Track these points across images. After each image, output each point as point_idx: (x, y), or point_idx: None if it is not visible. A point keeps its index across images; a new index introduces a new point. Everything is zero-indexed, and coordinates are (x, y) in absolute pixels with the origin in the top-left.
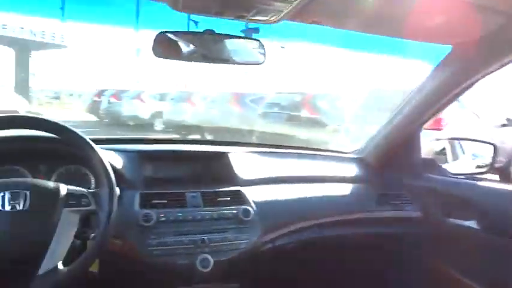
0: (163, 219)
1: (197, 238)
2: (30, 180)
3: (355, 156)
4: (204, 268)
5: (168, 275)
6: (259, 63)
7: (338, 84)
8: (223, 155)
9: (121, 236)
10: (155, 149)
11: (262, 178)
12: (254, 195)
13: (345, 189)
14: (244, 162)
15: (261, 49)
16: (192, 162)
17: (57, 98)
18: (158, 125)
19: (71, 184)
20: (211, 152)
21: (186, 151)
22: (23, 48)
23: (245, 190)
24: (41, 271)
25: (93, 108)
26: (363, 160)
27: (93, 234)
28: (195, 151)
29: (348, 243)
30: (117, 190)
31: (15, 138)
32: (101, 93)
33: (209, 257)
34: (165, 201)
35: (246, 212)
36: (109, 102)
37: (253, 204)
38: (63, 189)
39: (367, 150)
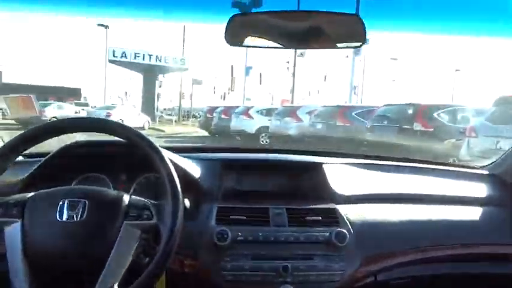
0: (240, 238)
1: (279, 265)
2: (89, 188)
3: (486, 172)
4: None
5: None
6: (360, 45)
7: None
8: (317, 165)
9: (191, 255)
10: (239, 157)
11: (363, 195)
12: (352, 215)
13: (474, 212)
14: (342, 175)
15: (361, 26)
16: (279, 173)
17: (175, 115)
18: (264, 139)
19: (149, 195)
20: (303, 162)
21: (273, 160)
22: (150, 73)
23: (341, 209)
24: None
25: (206, 124)
26: (497, 177)
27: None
28: (283, 160)
29: (476, 285)
30: (186, 202)
31: (96, 144)
32: (213, 110)
33: None
34: (244, 217)
35: (341, 236)
36: (219, 119)
37: (350, 227)
38: (125, 199)
39: (503, 166)
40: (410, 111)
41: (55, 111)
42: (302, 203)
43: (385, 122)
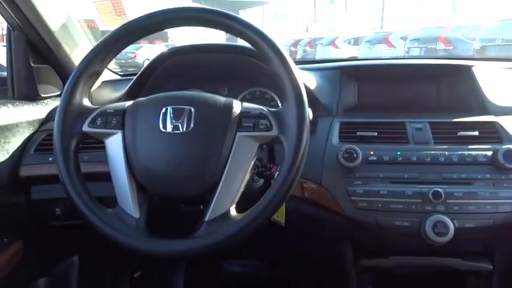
0: (373, 158)
1: (426, 189)
2: (196, 93)
3: None
4: (439, 236)
5: (375, 239)
6: None
7: None
8: (465, 68)
9: (312, 178)
10: (364, 64)
11: None
12: None
13: None
14: (497, 81)
15: None
16: (414, 80)
17: None
18: None
19: None
20: (445, 65)
21: (406, 64)
22: (230, 9)
23: (503, 122)
24: (208, 216)
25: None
26: None
27: (277, 172)
28: (419, 64)
29: None
30: (310, 112)
31: (193, 49)
32: (297, 43)
33: (447, 219)
34: (375, 134)
35: (510, 155)
36: (304, 51)
37: None
38: (237, 106)
39: None
40: None
41: (147, 52)
42: (448, 115)
43: (500, 41)
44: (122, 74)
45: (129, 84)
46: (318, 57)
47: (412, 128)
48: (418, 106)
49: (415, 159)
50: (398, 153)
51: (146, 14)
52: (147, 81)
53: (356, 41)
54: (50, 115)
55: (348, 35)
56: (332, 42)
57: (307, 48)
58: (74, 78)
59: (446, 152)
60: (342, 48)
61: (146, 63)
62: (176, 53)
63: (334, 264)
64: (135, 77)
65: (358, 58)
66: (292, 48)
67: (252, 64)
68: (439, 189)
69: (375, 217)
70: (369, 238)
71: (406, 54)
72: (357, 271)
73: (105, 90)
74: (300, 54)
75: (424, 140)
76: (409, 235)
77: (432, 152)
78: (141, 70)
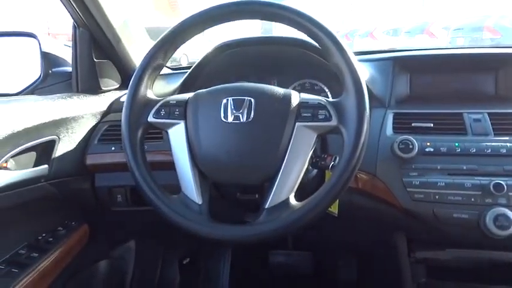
0: (429, 149)
1: (487, 182)
2: (256, 85)
3: None
4: (500, 230)
5: (431, 231)
6: None
7: None
8: None
9: (366, 169)
10: (417, 54)
11: None
12: None
13: None
14: None
15: None
16: (471, 70)
17: None
18: None
19: None
20: (503, 54)
21: (464, 54)
22: None
23: None
24: (268, 203)
25: None
26: None
27: (333, 163)
28: (478, 54)
29: None
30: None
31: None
32: None
33: (509, 213)
34: (431, 125)
35: None
36: None
37: None
38: (295, 96)
39: None
40: None
41: None
42: (507, 106)
43: None
44: (172, 67)
45: (183, 78)
46: (355, 49)
47: (470, 118)
48: (475, 97)
49: (474, 150)
50: (457, 144)
51: (206, 9)
52: (200, 75)
53: (395, 32)
54: (111, 107)
55: (386, 25)
56: (370, 34)
57: (344, 40)
58: (139, 71)
59: (507, 144)
60: (380, 40)
61: (184, 58)
62: (227, 47)
63: (387, 255)
64: (189, 71)
65: (411, 48)
66: None
67: (300, 56)
68: (501, 182)
69: (432, 209)
70: (425, 230)
71: (449, 45)
72: (410, 263)
73: (158, 83)
74: None
75: (484, 131)
76: (468, 228)
77: (493, 144)
78: (195, 64)
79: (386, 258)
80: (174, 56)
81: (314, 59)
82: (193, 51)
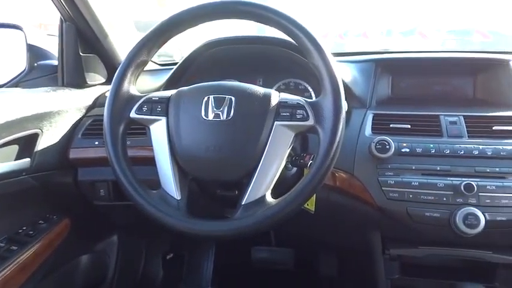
0: (405, 150)
1: (459, 182)
2: (237, 84)
3: None
4: (469, 228)
5: (405, 229)
6: None
7: None
8: (502, 62)
9: (344, 167)
10: (397, 57)
11: None
12: None
13: None
14: None
15: None
16: (450, 73)
17: None
18: None
19: None
20: (482, 58)
21: (444, 58)
22: None
23: None
24: (245, 200)
25: None
26: None
27: (311, 161)
28: (455, 58)
29: None
30: (345, 104)
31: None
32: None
33: (478, 212)
34: (408, 126)
35: None
36: (334, 43)
37: None
38: (275, 96)
39: None
40: None
41: None
42: (482, 109)
43: None
44: (160, 63)
45: (169, 74)
46: (348, 48)
47: (446, 121)
48: (453, 100)
49: (448, 152)
50: (432, 145)
51: (192, 6)
52: (186, 72)
53: (388, 32)
54: (96, 101)
55: (380, 26)
56: (363, 34)
57: (338, 40)
58: (123, 67)
59: (480, 146)
60: (373, 39)
61: (178, 53)
62: (214, 45)
63: (362, 252)
64: (174, 68)
65: (393, 51)
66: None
67: (286, 55)
68: (472, 182)
69: (405, 207)
70: (399, 228)
71: (441, 47)
72: (385, 260)
73: (144, 79)
74: (329, 46)
75: (458, 133)
76: (439, 226)
77: (466, 146)
78: (180, 61)
79: (363, 255)
80: (167, 51)
81: (299, 59)
82: (188, 46)
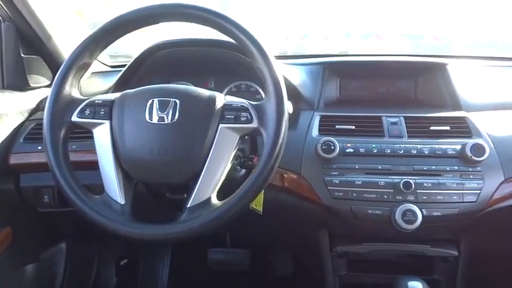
0: (349, 150)
1: (398, 180)
2: (182, 87)
3: None
4: (407, 224)
5: (350, 226)
6: None
7: None
8: (440, 66)
9: (292, 168)
10: (344, 60)
11: (500, 103)
12: (487, 125)
13: None
14: (470, 78)
15: None
16: (392, 76)
17: None
18: None
19: None
20: (422, 62)
21: (385, 61)
22: None
23: (473, 117)
24: (190, 203)
25: (282, 51)
26: None
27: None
28: (397, 61)
29: None
30: (290, 106)
31: (178, 43)
32: (288, 36)
33: (415, 208)
34: (353, 127)
35: (478, 149)
36: (295, 44)
37: (488, 139)
38: (220, 99)
39: None
40: None
41: None
42: (422, 110)
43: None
44: (111, 65)
45: (118, 76)
46: (308, 50)
47: (388, 122)
48: (396, 101)
49: (389, 151)
50: (374, 145)
51: (136, 8)
52: (135, 74)
53: (347, 35)
54: (40, 105)
55: (339, 28)
56: (324, 36)
57: (299, 41)
58: (63, 69)
59: (418, 145)
60: (333, 42)
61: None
62: (163, 46)
63: (311, 251)
64: (123, 70)
65: (342, 54)
66: (284, 41)
67: (237, 58)
68: (410, 180)
69: (349, 206)
70: (344, 226)
71: (397, 48)
72: (332, 257)
73: (94, 81)
74: (291, 48)
75: (399, 134)
76: (381, 223)
77: (406, 145)
78: (129, 63)
79: (312, 253)
80: (127, 52)
81: (249, 61)
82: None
